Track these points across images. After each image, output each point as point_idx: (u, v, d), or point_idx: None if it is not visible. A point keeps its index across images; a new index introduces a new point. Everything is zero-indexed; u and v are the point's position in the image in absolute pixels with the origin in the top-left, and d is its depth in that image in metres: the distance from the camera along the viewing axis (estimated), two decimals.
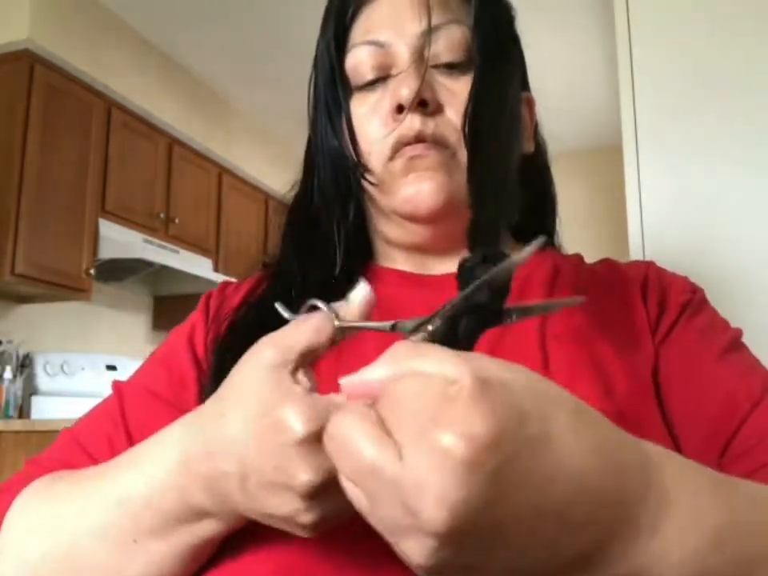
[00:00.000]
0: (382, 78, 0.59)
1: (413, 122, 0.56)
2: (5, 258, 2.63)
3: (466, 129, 0.55)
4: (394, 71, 0.58)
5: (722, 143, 1.38)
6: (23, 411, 2.89)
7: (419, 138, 0.56)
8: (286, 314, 0.42)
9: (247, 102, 4.02)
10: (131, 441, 0.56)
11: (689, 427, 0.53)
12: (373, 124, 0.59)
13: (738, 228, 1.36)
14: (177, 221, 3.44)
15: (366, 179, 0.59)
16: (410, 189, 0.57)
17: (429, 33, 0.57)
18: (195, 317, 0.65)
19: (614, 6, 1.50)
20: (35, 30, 2.79)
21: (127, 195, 3.18)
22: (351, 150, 0.59)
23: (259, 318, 0.59)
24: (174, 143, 3.51)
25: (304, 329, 0.39)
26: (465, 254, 0.44)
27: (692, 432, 0.53)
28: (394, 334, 0.39)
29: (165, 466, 0.42)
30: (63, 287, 2.88)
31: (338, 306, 0.42)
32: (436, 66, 0.57)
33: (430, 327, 0.37)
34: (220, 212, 3.82)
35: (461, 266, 0.41)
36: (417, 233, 0.60)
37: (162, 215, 3.36)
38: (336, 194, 0.62)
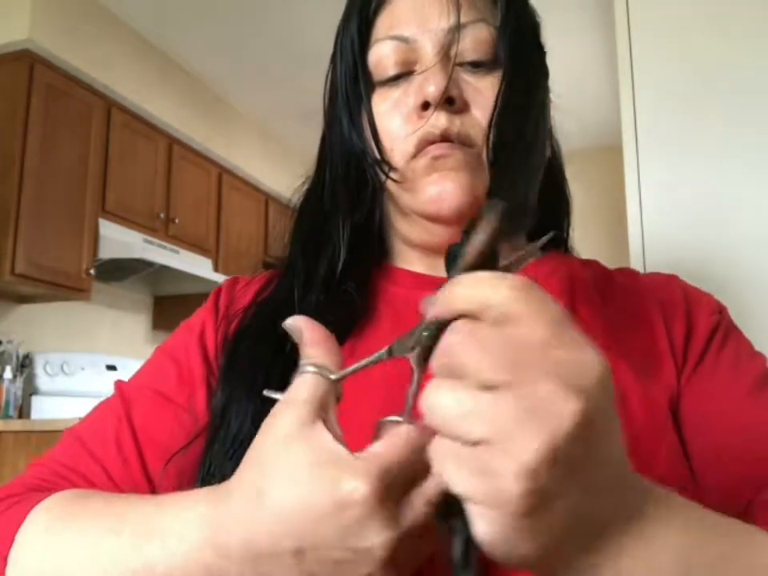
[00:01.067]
0: (405, 74, 0.57)
1: (438, 120, 0.55)
2: (5, 257, 2.63)
3: (490, 137, 0.54)
4: (417, 67, 0.57)
5: (722, 143, 1.38)
6: (23, 411, 2.89)
7: (444, 137, 0.55)
8: (277, 396, 0.40)
9: (247, 101, 4.02)
10: (138, 442, 0.55)
11: (717, 468, 0.52)
12: (395, 120, 0.57)
13: (738, 227, 1.36)
14: (177, 221, 3.44)
15: (389, 176, 0.58)
16: (433, 189, 0.55)
17: (458, 28, 0.56)
18: (204, 314, 0.64)
19: (614, 6, 1.50)
20: (35, 30, 2.79)
21: (127, 195, 3.18)
22: (374, 147, 0.58)
23: (266, 322, 0.58)
24: (173, 143, 3.51)
25: (311, 381, 0.38)
26: None
27: (721, 473, 0.51)
28: (394, 358, 0.38)
29: (189, 544, 0.39)
30: (63, 287, 2.88)
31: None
32: (461, 64, 0.56)
33: (425, 333, 0.36)
34: (220, 212, 3.82)
35: (447, 255, 0.40)
36: (437, 233, 0.59)
37: (162, 215, 3.36)
38: (347, 191, 0.61)
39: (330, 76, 0.63)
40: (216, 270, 3.69)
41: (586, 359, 0.32)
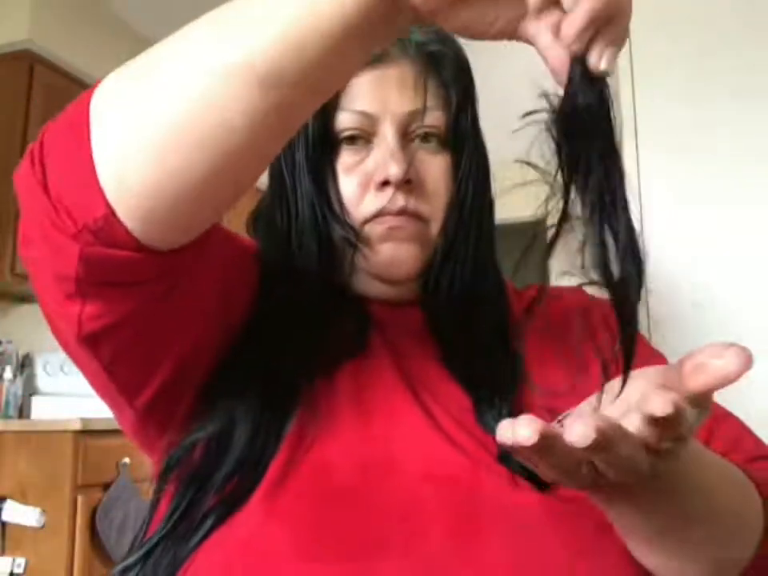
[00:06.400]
0: (364, 139, 0.63)
1: (397, 198, 0.61)
2: (5, 258, 2.63)
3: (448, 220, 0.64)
4: (375, 141, 0.63)
5: (722, 142, 1.38)
6: (23, 411, 2.89)
7: (401, 213, 0.61)
8: None
9: None
10: None
11: None
12: (352, 183, 0.63)
13: (738, 226, 1.36)
14: None
15: (352, 242, 0.63)
16: (388, 254, 0.62)
17: (423, 111, 0.62)
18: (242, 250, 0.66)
19: None
20: (35, 29, 2.79)
21: None
22: (337, 208, 0.63)
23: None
24: None
25: None
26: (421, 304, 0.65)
27: None
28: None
29: None
30: None
31: None
32: (412, 139, 0.63)
33: None
34: None
35: None
36: (387, 290, 0.65)
37: None
38: (318, 247, 0.64)
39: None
40: None
41: None
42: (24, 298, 3.01)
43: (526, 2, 0.36)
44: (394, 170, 0.60)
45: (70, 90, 2.93)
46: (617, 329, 0.65)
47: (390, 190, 0.61)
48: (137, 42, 3.33)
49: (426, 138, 0.63)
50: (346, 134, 0.63)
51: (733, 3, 1.40)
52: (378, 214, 0.62)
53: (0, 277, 2.65)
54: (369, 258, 0.63)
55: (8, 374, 2.79)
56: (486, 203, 0.67)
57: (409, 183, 0.61)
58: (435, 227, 0.63)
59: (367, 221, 0.62)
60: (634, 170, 1.46)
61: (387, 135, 0.62)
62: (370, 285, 0.66)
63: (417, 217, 0.62)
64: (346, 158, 0.63)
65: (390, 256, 0.62)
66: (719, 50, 1.39)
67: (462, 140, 0.65)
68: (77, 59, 2.95)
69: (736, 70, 1.38)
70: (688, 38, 1.42)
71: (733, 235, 1.38)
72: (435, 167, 0.63)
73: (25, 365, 2.93)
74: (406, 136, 0.63)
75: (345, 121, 0.63)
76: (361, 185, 0.63)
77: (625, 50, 1.48)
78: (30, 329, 3.07)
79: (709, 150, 1.40)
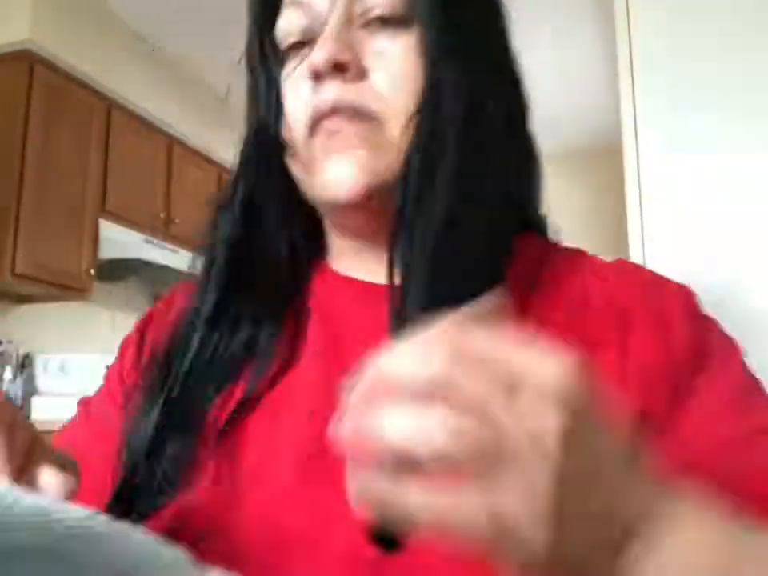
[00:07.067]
0: (309, 41, 0.49)
1: (328, 91, 0.46)
2: (5, 258, 2.63)
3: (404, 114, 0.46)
4: (320, 32, 0.48)
5: (722, 142, 1.38)
6: (23, 411, 2.90)
7: (336, 110, 0.46)
8: None
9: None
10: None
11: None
12: (292, 94, 0.49)
13: (739, 226, 1.36)
14: (177, 221, 3.44)
15: (286, 160, 0.50)
16: (328, 174, 0.47)
17: None
18: (126, 358, 0.59)
19: (614, 6, 1.50)
20: (35, 29, 2.79)
21: (127, 195, 3.18)
22: (273, 125, 0.50)
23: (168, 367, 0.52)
24: (174, 143, 3.51)
25: None
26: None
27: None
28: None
29: None
30: (63, 287, 2.89)
31: None
32: (367, 23, 0.47)
33: None
34: None
35: None
36: (345, 219, 0.51)
37: (162, 215, 3.37)
38: (257, 179, 0.52)
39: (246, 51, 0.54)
40: None
41: None
42: (24, 298, 3.01)
43: None
44: (317, 54, 0.46)
45: (70, 90, 2.93)
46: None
47: (322, 85, 0.46)
48: (137, 42, 3.33)
49: (383, 21, 0.47)
50: (285, 34, 0.50)
51: (733, 1, 1.40)
52: (316, 121, 0.47)
53: (0, 277, 2.65)
54: (312, 184, 0.49)
55: (8, 374, 2.79)
56: (484, 100, 0.46)
57: (343, 71, 0.46)
58: (395, 129, 0.46)
59: (308, 134, 0.48)
60: (634, 170, 1.46)
61: (324, 19, 0.48)
62: (331, 240, 0.54)
63: (361, 114, 0.46)
64: (289, 66, 0.50)
65: (331, 175, 0.47)
66: (720, 49, 1.39)
67: (430, 11, 0.46)
68: (77, 59, 2.95)
69: (738, 68, 1.38)
70: (689, 37, 1.42)
71: (735, 234, 1.38)
72: (394, 52, 0.47)
73: (25, 365, 2.94)
74: (352, 23, 0.47)
75: (282, 20, 0.50)
76: (299, 92, 0.48)
77: (625, 48, 1.49)
78: (30, 329, 3.07)
79: (710, 150, 1.40)
